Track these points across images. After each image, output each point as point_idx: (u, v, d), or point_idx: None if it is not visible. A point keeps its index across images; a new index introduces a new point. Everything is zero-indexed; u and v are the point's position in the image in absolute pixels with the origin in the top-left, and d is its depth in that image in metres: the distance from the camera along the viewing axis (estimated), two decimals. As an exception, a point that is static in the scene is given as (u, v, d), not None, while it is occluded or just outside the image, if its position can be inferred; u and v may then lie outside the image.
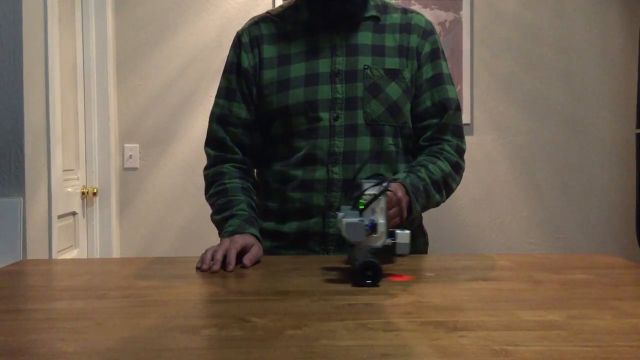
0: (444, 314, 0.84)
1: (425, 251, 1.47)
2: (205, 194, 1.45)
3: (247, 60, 1.42)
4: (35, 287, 1.13)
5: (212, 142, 1.46)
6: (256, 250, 1.24)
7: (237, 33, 1.47)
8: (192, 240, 3.04)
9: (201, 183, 1.49)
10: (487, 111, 3.11)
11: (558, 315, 0.82)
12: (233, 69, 1.44)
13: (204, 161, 1.48)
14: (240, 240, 1.23)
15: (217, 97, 1.47)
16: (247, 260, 1.19)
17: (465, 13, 3.11)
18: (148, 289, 1.02)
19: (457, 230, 3.07)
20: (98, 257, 2.85)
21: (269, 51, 1.41)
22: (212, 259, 1.18)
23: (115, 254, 2.96)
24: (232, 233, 1.27)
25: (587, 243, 3.15)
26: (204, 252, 1.21)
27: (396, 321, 0.80)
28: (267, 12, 1.48)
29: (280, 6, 1.48)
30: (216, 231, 1.39)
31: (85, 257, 2.76)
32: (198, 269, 1.17)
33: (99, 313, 0.87)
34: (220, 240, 1.27)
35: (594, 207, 3.17)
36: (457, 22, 3.10)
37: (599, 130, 3.17)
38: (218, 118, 1.45)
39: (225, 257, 1.18)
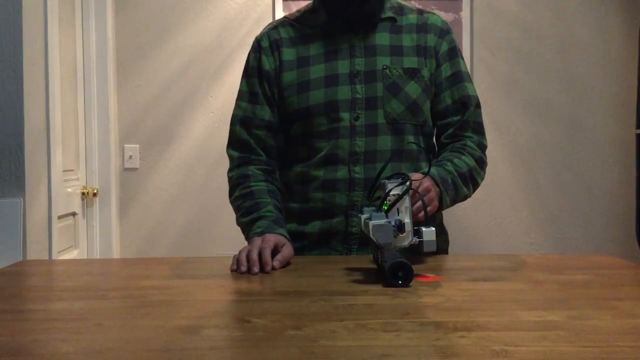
0: (444, 314, 0.84)
1: (446, 250, 1.47)
2: (230, 196, 1.45)
3: (267, 63, 1.43)
4: (35, 287, 1.13)
5: (235, 144, 1.46)
6: (287, 250, 1.23)
7: (256, 38, 1.48)
8: (192, 240, 3.04)
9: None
10: (487, 111, 3.10)
11: (558, 315, 0.82)
12: (254, 72, 1.45)
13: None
14: (273, 238, 1.23)
15: (239, 100, 1.47)
16: (276, 262, 1.17)
17: (465, 13, 3.11)
18: (148, 289, 1.02)
19: (457, 230, 3.07)
20: (98, 257, 2.85)
21: (288, 54, 1.42)
22: (248, 259, 1.16)
23: (115, 254, 2.96)
24: (262, 233, 1.26)
25: (587, 243, 3.15)
26: (236, 253, 1.20)
27: (396, 321, 0.80)
28: (285, 17, 1.50)
29: (298, 10, 1.50)
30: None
31: (85, 257, 2.76)
32: (234, 271, 1.15)
33: (99, 313, 0.87)
34: (251, 241, 1.26)
35: (594, 207, 3.17)
36: (457, 22, 3.10)
37: (599, 130, 3.17)
38: (241, 120, 1.45)
39: (260, 257, 1.17)
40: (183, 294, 0.98)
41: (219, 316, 0.86)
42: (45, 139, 2.15)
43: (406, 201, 1.05)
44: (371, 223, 1.03)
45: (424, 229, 1.06)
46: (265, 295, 0.98)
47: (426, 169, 1.35)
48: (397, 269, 1.01)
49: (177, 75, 3.07)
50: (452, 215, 3.06)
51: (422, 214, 1.12)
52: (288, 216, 1.40)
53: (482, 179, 1.42)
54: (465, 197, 1.37)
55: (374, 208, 1.08)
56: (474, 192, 1.40)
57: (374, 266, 1.18)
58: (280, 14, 2.99)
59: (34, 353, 0.69)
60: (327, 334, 0.74)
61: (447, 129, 1.43)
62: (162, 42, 3.06)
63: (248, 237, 1.32)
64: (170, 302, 0.93)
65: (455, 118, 1.42)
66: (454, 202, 1.33)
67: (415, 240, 1.05)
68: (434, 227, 1.07)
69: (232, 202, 1.44)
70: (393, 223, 1.03)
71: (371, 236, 1.03)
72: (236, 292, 1.03)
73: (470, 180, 1.37)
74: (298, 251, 1.34)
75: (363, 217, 1.10)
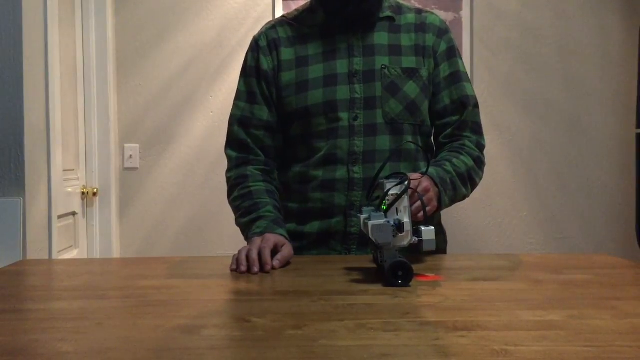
0: (444, 314, 0.84)
1: (444, 249, 1.47)
2: (228, 197, 1.45)
3: (266, 63, 1.43)
4: (35, 287, 1.13)
5: (233, 144, 1.46)
6: (287, 250, 1.23)
7: (254, 37, 1.48)
8: (192, 240, 3.04)
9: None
10: (487, 111, 3.11)
11: (558, 315, 0.82)
12: (252, 72, 1.44)
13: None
14: (273, 238, 1.23)
15: (237, 100, 1.47)
16: (276, 261, 1.17)
17: (465, 13, 3.11)
18: (148, 289, 1.02)
19: (456, 230, 3.07)
20: (98, 257, 2.85)
21: (286, 54, 1.42)
22: (247, 259, 1.16)
23: (115, 254, 2.96)
24: (262, 233, 1.27)
25: (587, 243, 3.15)
26: (236, 252, 1.20)
27: (396, 321, 0.80)
28: (283, 16, 1.50)
29: (296, 10, 1.50)
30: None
31: (85, 257, 2.76)
32: (234, 270, 1.15)
33: (99, 313, 0.87)
34: (250, 241, 1.26)
35: (594, 207, 3.17)
36: (457, 22, 3.10)
37: (599, 130, 3.17)
38: (239, 120, 1.45)
39: (260, 257, 1.17)
40: (183, 294, 0.98)
41: (218, 316, 0.86)
42: (45, 139, 2.15)
43: (405, 201, 1.05)
44: (370, 223, 1.03)
45: (423, 228, 1.06)
46: (265, 295, 0.98)
47: (424, 169, 1.35)
48: (397, 269, 1.01)
49: (177, 75, 3.07)
50: (452, 215, 3.06)
51: (421, 214, 1.12)
52: (287, 216, 1.40)
53: (481, 179, 1.42)
54: (464, 198, 1.38)
55: (373, 208, 1.08)
56: (472, 192, 1.40)
57: (374, 266, 1.18)
58: (280, 14, 2.99)
59: (34, 353, 0.69)
60: (327, 334, 0.74)
61: (446, 129, 1.43)
62: (162, 42, 3.06)
63: (247, 238, 1.32)
64: (170, 301, 0.93)
65: (454, 118, 1.42)
66: (452, 202, 1.33)
67: (415, 239, 1.05)
68: (432, 226, 1.07)
69: (230, 203, 1.44)
70: (392, 223, 1.03)
71: (370, 236, 1.03)
72: (236, 291, 1.03)
73: (469, 180, 1.37)
74: (297, 251, 1.34)
75: (362, 217, 1.10)
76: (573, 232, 3.16)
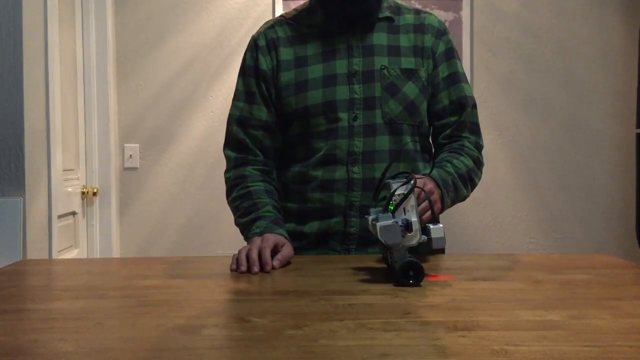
0: (444, 314, 0.84)
1: (443, 249, 1.47)
2: (227, 197, 1.45)
3: (264, 63, 1.43)
4: (35, 287, 1.13)
5: (232, 144, 1.45)
6: (287, 250, 1.23)
7: (253, 37, 1.47)
8: (192, 240, 3.04)
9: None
10: (487, 111, 3.11)
11: (558, 315, 0.82)
12: (251, 71, 1.44)
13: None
14: (273, 238, 1.23)
15: (235, 100, 1.46)
16: (276, 261, 1.18)
17: (465, 13, 3.11)
18: (148, 289, 1.02)
19: (457, 230, 3.07)
20: (98, 257, 2.85)
21: (285, 53, 1.42)
22: (247, 259, 1.16)
23: (115, 254, 2.96)
24: (262, 233, 1.27)
25: (587, 243, 3.15)
26: (236, 252, 1.20)
27: (396, 321, 0.80)
28: (282, 16, 1.50)
29: (295, 9, 1.49)
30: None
31: (85, 257, 2.76)
32: (234, 270, 1.15)
33: (99, 312, 0.87)
34: (250, 241, 1.26)
35: (594, 207, 3.17)
36: (457, 22, 3.10)
37: (599, 130, 3.17)
38: (238, 120, 1.44)
39: (260, 257, 1.17)
40: (183, 294, 0.98)
41: (219, 316, 0.86)
42: (45, 138, 2.15)
43: (412, 200, 1.05)
44: (378, 224, 1.03)
45: (431, 226, 1.06)
46: (265, 295, 0.98)
47: (423, 169, 1.36)
48: (408, 269, 1.01)
49: (177, 75, 3.07)
50: (452, 215, 3.06)
51: (427, 214, 1.12)
52: (286, 216, 1.40)
53: (479, 179, 1.43)
54: (464, 198, 1.39)
55: (380, 209, 1.08)
56: (471, 192, 1.41)
57: (375, 265, 1.18)
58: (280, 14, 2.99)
59: (33, 353, 0.69)
60: (327, 334, 0.74)
61: (445, 130, 1.43)
62: (162, 41, 3.06)
63: (247, 238, 1.32)
64: (170, 301, 0.93)
65: (452, 119, 1.42)
66: (453, 203, 1.34)
67: (424, 238, 1.05)
68: (440, 224, 1.07)
69: (229, 203, 1.44)
70: (400, 223, 1.03)
71: (379, 237, 1.03)
72: (236, 291, 1.03)
73: (469, 181, 1.38)
74: (296, 251, 1.34)
75: (370, 218, 1.09)
76: (573, 232, 3.16)
